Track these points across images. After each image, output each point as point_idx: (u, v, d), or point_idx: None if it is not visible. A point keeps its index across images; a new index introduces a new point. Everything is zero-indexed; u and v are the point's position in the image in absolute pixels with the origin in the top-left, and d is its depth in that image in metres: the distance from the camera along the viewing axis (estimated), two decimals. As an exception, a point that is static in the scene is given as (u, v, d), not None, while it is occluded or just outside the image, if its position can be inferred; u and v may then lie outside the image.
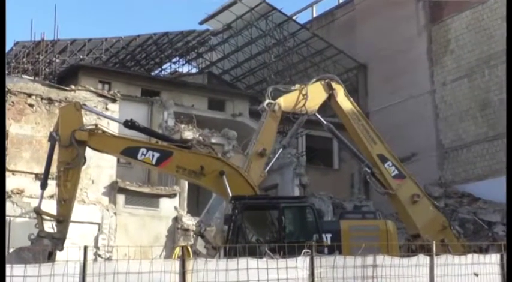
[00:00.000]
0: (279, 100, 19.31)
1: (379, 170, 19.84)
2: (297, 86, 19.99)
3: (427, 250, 14.37)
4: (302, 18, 42.22)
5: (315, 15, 42.89)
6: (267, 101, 19.28)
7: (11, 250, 15.44)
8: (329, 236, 16.63)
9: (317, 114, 20.15)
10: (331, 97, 19.98)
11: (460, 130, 31.33)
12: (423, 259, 13.70)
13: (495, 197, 25.87)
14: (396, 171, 19.85)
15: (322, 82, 20.11)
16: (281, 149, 19.91)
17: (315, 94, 19.73)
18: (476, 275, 14.01)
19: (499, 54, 29.89)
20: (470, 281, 13.96)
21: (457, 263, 14.00)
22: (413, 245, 16.83)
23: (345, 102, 20.10)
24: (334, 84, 20.05)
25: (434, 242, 14.64)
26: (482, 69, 30.72)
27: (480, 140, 30.23)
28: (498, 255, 14.60)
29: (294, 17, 40.00)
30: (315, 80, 20.50)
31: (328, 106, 20.50)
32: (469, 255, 14.52)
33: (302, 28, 38.05)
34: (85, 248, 11.57)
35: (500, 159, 27.88)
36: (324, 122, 20.42)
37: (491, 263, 14.41)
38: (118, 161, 24.15)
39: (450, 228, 19.83)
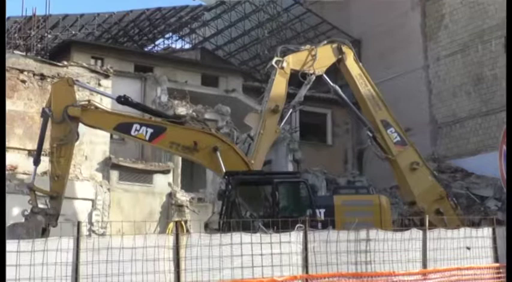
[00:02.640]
0: (288, 57, 19.62)
1: (381, 134, 20.17)
2: (308, 46, 20.43)
3: (420, 225, 14.48)
4: (296, -7, 41.96)
5: (308, -10, 42.62)
6: (276, 58, 19.56)
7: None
8: (323, 211, 16.71)
9: (324, 76, 20.41)
10: (340, 61, 20.36)
11: (454, 105, 31.34)
12: (416, 233, 13.81)
13: (487, 172, 25.96)
14: (398, 138, 20.18)
15: (333, 45, 20.47)
16: (291, 110, 20.06)
17: (324, 56, 20.11)
18: (469, 248, 14.14)
19: (492, 29, 29.82)
20: (463, 254, 14.08)
21: (450, 237, 14.12)
22: (406, 219, 16.91)
23: (353, 66, 20.46)
24: (344, 48, 20.39)
25: (427, 216, 14.74)
26: (475, 44, 30.65)
27: (473, 115, 30.27)
28: (490, 229, 14.71)
29: (287, -8, 39.74)
30: (325, 42, 20.98)
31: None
32: (462, 229, 14.65)
33: (296, 3, 37.78)
34: (78, 223, 11.62)
35: (493, 134, 27.94)
36: (331, 83, 20.71)
37: (483, 237, 14.54)
38: (111, 137, 24.10)
39: (447, 199, 20.03)
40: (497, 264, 14.15)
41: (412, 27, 33.83)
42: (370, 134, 20.45)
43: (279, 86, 19.34)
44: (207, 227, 17.93)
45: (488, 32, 30.04)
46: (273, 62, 19.56)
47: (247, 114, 20.22)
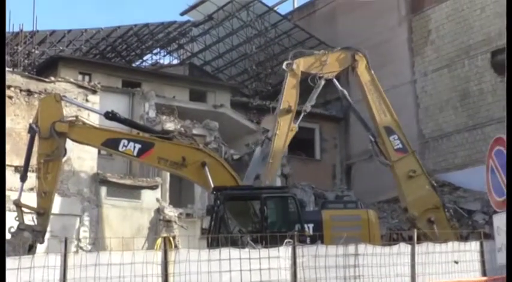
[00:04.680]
0: (298, 60, 20.66)
1: (383, 140, 20.68)
2: (322, 51, 21.50)
3: (408, 239, 14.50)
4: (283, 9, 42.23)
5: (296, 5, 42.83)
6: (286, 61, 20.60)
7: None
8: (311, 226, 16.73)
9: (334, 80, 21.28)
10: (353, 68, 21.09)
11: (441, 120, 31.50)
12: (404, 247, 13.79)
13: (475, 186, 26.06)
14: (400, 145, 20.71)
15: (346, 52, 21.26)
16: (303, 114, 20.82)
17: (335, 61, 21.01)
18: (457, 262, 14.15)
19: (478, 45, 30.07)
20: (451, 268, 14.09)
21: (438, 251, 14.12)
22: (394, 233, 16.98)
23: (364, 74, 21.10)
24: (357, 56, 21.04)
25: (415, 231, 14.76)
26: (462, 59, 30.87)
27: (460, 130, 30.43)
28: (478, 243, 14.74)
29: (275, 8, 39.93)
30: (339, 48, 21.82)
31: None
32: (450, 243, 14.66)
33: (283, 19, 37.97)
34: (66, 239, 11.54)
35: (479, 148, 28.07)
36: (340, 87, 21.63)
37: (471, 251, 14.55)
38: (99, 152, 24.02)
39: (443, 210, 20.22)
40: (485, 278, 14.15)
41: (399, 42, 34.05)
42: (372, 139, 20.96)
43: (290, 87, 20.21)
44: None
45: (474, 47, 30.29)
46: (284, 65, 20.50)
47: (264, 117, 20.98)
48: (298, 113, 20.74)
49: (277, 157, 19.65)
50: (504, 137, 8.35)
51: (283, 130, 19.81)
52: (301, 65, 20.44)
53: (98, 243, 21.19)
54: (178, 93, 31.48)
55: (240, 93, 36.87)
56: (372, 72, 21.21)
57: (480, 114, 29.52)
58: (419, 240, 14.14)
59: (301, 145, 35.22)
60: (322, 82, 20.71)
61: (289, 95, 20.11)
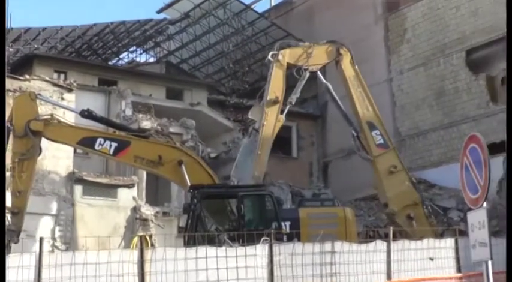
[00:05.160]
0: (284, 51, 20.56)
1: (365, 135, 20.78)
2: (307, 43, 21.41)
3: (384, 236, 14.61)
4: (260, 7, 42.20)
5: (273, 4, 42.85)
6: (272, 52, 20.50)
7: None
8: (288, 223, 16.73)
9: (318, 73, 21.30)
10: (337, 62, 21.17)
11: (417, 118, 31.71)
12: (380, 245, 13.90)
13: (450, 183, 26.26)
14: (381, 141, 20.81)
15: (331, 46, 21.30)
16: (288, 106, 20.80)
17: (320, 54, 21.01)
18: (432, 259, 14.28)
19: (453, 43, 30.30)
20: (426, 265, 14.21)
21: (413, 248, 14.24)
22: (371, 231, 17.08)
23: (348, 68, 21.18)
24: (342, 50, 21.13)
25: (391, 228, 14.86)
26: (437, 58, 31.08)
27: (436, 128, 30.65)
28: (453, 240, 14.88)
29: (252, 6, 39.91)
30: (325, 41, 21.78)
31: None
32: (425, 240, 14.79)
33: (260, 17, 37.99)
34: (41, 239, 11.43)
35: (455, 146, 28.28)
36: (324, 80, 21.64)
37: (446, 248, 14.70)
38: (75, 151, 23.85)
39: (422, 206, 20.39)
40: (459, 275, 14.29)
41: (376, 40, 34.21)
42: (355, 133, 21.07)
43: (277, 77, 20.15)
44: None
45: (449, 46, 30.52)
46: (269, 56, 20.39)
47: (251, 108, 20.85)
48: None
49: (265, 148, 19.56)
50: (478, 134, 8.42)
51: (271, 121, 19.77)
52: (286, 56, 20.41)
53: (73, 243, 21.04)
54: (154, 91, 31.36)
55: (217, 91, 36.81)
56: (356, 67, 21.31)
57: (456, 112, 29.77)
58: (395, 238, 14.24)
59: (278, 143, 35.16)
60: (307, 74, 20.73)
61: (275, 86, 20.05)
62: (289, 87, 20.67)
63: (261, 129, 19.61)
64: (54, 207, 22.80)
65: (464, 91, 29.63)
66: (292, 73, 20.88)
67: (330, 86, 21.60)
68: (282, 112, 20.28)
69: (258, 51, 37.41)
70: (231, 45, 37.06)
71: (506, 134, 8.25)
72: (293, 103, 21.06)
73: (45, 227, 22.17)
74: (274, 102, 19.91)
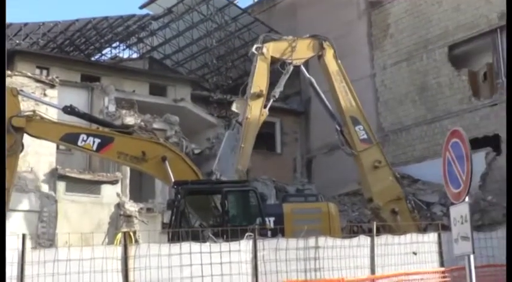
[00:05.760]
0: (268, 44, 20.37)
1: (349, 130, 20.79)
2: (290, 37, 21.23)
3: (368, 231, 14.68)
4: (243, 3, 42.34)
5: (256, -1, 42.82)
6: (256, 45, 20.32)
7: None
8: (272, 219, 16.73)
9: (302, 67, 21.33)
10: (320, 56, 21.09)
11: (400, 113, 31.84)
12: (364, 239, 13.96)
13: (433, 178, 26.40)
14: (365, 136, 20.86)
15: (315, 40, 21.21)
16: (271, 100, 20.59)
17: (303, 48, 20.93)
18: (415, 253, 14.36)
19: (436, 39, 30.45)
20: (410, 259, 14.30)
21: (397, 243, 14.32)
22: (354, 226, 17.13)
23: (331, 63, 21.17)
24: (325, 45, 21.09)
25: (375, 223, 14.94)
26: (420, 53, 31.22)
27: (419, 123, 30.81)
28: (436, 234, 14.98)
29: (235, 2, 39.81)
30: (308, 35, 21.67)
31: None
32: (408, 235, 14.87)
33: (243, 13, 37.92)
34: (23, 235, 11.36)
35: (437, 141, 28.43)
36: (307, 74, 21.66)
37: (429, 242, 14.79)
38: (58, 147, 23.72)
39: (405, 201, 20.54)
40: (442, 269, 14.40)
41: (359, 36, 34.30)
42: (338, 128, 21.06)
43: (261, 71, 20.03)
44: None
45: (432, 41, 30.67)
46: (253, 49, 20.24)
47: (235, 101, 20.78)
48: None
49: (249, 141, 19.38)
50: (460, 129, 8.46)
51: (255, 114, 19.65)
52: (271, 49, 20.29)
53: (56, 239, 20.93)
54: (138, 87, 31.27)
55: (200, 87, 36.74)
56: (339, 61, 21.30)
57: (438, 107, 29.93)
58: (378, 233, 14.31)
59: (261, 139, 35.20)
60: (291, 68, 20.67)
61: (259, 79, 19.95)
62: (271, 84, 20.61)
63: (245, 122, 19.47)
64: (37, 204, 22.66)
65: (446, 86, 29.80)
66: (274, 68, 20.83)
67: (313, 80, 21.60)
68: (265, 106, 20.18)
69: (241, 46, 37.37)
70: (214, 41, 36.97)
71: (506, 133, 8.33)
72: (276, 96, 20.93)
73: (28, 224, 22.04)
74: (258, 95, 19.79)
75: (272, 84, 20.90)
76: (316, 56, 21.30)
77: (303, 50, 20.92)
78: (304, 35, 22.00)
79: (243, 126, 19.46)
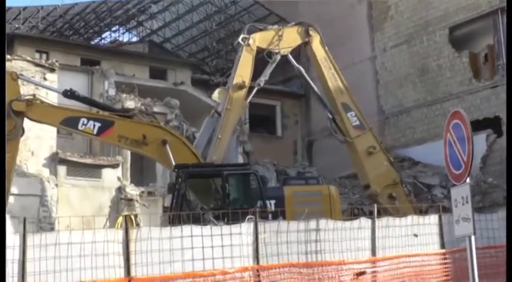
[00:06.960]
0: (254, 35, 20.09)
1: (341, 117, 20.68)
2: (275, 26, 21.10)
3: (369, 213, 14.69)
4: (243, -15, 41.87)
5: (256, -18, 42.55)
6: (242, 35, 20.00)
7: None
8: (273, 202, 16.77)
9: (289, 56, 20.91)
10: (307, 43, 20.83)
11: (400, 96, 31.79)
12: (365, 222, 13.98)
13: (434, 160, 26.42)
14: (357, 122, 20.75)
15: (300, 27, 20.91)
16: (256, 89, 20.37)
17: (290, 36, 20.60)
18: (416, 235, 14.39)
19: (436, 20, 30.32)
20: (410, 241, 14.33)
21: (398, 225, 14.34)
22: (355, 208, 17.17)
23: (319, 49, 20.90)
24: (311, 31, 20.81)
25: (375, 205, 14.95)
26: (420, 35, 31.11)
27: (419, 105, 30.77)
28: (436, 216, 15.00)
29: (235, -16, 39.63)
30: (293, 23, 21.41)
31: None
32: (409, 217, 14.89)
33: (243, -5, 37.75)
34: (24, 219, 11.37)
35: (438, 123, 28.42)
36: (296, 64, 21.28)
37: (430, 224, 14.81)
38: (58, 131, 23.71)
39: (401, 185, 20.54)
40: (443, 251, 14.45)
41: (359, 18, 34.16)
42: (330, 116, 20.92)
43: (245, 62, 19.72)
44: None
45: (432, 23, 30.53)
46: (240, 39, 19.96)
47: (215, 90, 20.51)
48: (250, 89, 20.27)
49: (227, 133, 19.02)
50: (461, 111, 8.45)
51: (235, 105, 19.31)
52: (257, 40, 20.01)
53: (58, 223, 20.96)
54: (138, 71, 31.20)
55: (200, 70, 36.66)
56: (326, 48, 21.04)
57: (439, 89, 29.87)
58: (379, 215, 14.33)
59: (262, 122, 35.30)
60: (278, 58, 20.41)
61: (243, 71, 19.62)
62: (258, 72, 20.33)
63: (224, 113, 19.11)
64: (38, 188, 22.68)
65: (447, 68, 29.73)
66: (262, 57, 20.48)
67: (302, 69, 21.36)
68: (246, 97, 19.87)
69: (241, 29, 37.02)
70: (214, 24, 36.87)
71: (506, 133, 8.31)
72: (261, 85, 20.56)
73: (29, 208, 22.07)
74: (240, 87, 19.42)
75: (260, 72, 20.65)
76: (303, 44, 20.99)
77: (289, 39, 20.57)
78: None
79: (222, 117, 19.07)
